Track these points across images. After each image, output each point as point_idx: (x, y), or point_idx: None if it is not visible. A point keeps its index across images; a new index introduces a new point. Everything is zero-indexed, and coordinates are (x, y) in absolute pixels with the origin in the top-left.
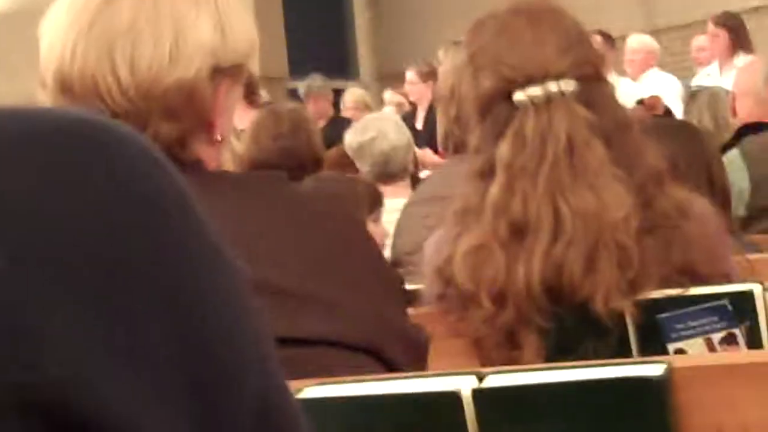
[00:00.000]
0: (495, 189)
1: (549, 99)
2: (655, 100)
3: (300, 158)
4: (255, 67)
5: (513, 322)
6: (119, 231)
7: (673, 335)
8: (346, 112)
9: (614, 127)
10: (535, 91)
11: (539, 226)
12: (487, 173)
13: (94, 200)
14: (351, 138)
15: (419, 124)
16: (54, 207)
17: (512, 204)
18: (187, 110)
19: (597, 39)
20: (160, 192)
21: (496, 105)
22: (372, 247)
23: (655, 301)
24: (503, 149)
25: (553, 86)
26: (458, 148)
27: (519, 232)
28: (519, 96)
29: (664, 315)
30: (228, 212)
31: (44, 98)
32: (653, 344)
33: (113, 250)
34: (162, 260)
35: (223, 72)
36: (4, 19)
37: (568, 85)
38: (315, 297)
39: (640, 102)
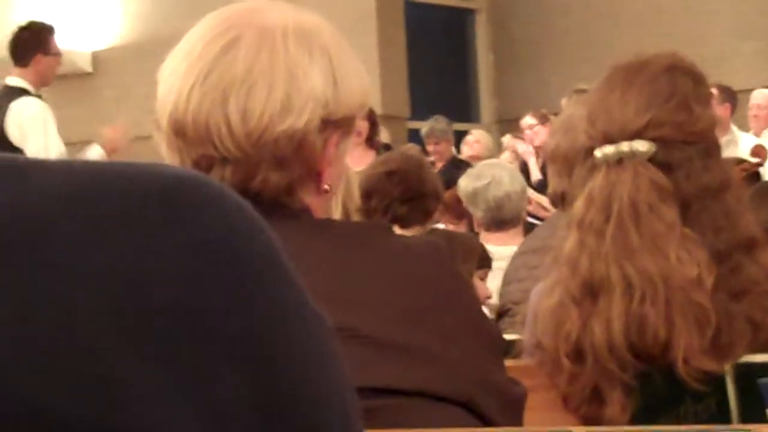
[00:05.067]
0: (568, 245)
1: (620, 159)
2: (759, 149)
3: (411, 185)
4: (376, 106)
5: (597, 379)
6: (207, 287)
7: None
8: (465, 155)
9: (696, 192)
10: (609, 150)
11: (609, 284)
12: None
13: (183, 256)
14: (465, 183)
15: (536, 171)
16: (144, 261)
17: (581, 261)
18: (296, 160)
19: (713, 92)
20: (249, 247)
21: (586, 160)
22: (471, 300)
23: (757, 365)
24: (577, 206)
25: (625, 146)
26: (565, 197)
27: (591, 290)
28: (597, 154)
29: (763, 380)
30: (329, 259)
31: (159, 140)
32: (754, 409)
33: (200, 305)
34: (249, 316)
35: (333, 124)
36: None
37: (641, 146)
38: (407, 347)
39: (742, 161)
